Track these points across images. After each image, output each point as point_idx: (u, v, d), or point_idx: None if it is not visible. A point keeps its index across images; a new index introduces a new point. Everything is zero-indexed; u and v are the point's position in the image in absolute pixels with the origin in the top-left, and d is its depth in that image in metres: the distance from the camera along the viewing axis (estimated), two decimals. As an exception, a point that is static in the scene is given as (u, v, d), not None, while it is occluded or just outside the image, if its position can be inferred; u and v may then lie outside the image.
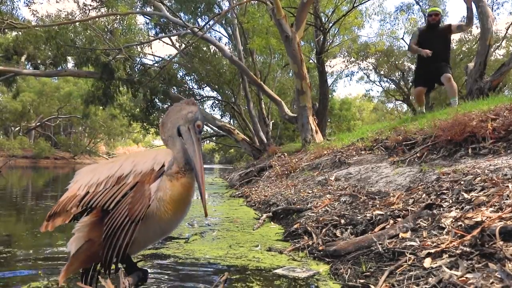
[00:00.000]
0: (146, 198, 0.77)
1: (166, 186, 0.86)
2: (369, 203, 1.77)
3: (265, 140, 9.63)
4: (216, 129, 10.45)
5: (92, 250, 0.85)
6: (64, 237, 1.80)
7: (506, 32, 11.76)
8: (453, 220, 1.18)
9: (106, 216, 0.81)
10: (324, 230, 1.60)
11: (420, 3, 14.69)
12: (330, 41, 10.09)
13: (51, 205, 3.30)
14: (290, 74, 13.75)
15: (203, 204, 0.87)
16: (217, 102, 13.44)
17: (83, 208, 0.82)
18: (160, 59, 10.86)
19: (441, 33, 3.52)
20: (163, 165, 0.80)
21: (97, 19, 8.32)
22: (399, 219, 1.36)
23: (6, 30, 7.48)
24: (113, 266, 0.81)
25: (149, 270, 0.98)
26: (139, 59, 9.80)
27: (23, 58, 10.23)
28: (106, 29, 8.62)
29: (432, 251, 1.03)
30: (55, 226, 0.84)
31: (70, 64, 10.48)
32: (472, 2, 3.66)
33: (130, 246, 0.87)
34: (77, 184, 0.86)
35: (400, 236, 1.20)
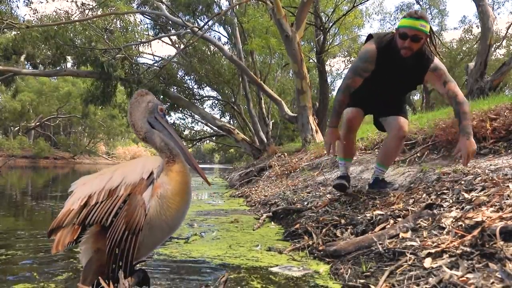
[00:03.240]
0: (141, 208, 0.76)
1: (164, 181, 0.85)
2: (369, 203, 1.77)
3: (265, 140, 9.63)
4: (216, 129, 10.44)
5: (104, 259, 0.84)
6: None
7: (507, 31, 11.75)
8: (454, 220, 1.18)
9: (107, 228, 0.81)
10: (324, 230, 1.60)
11: (421, 3, 14.68)
12: (330, 41, 10.09)
13: (51, 205, 3.29)
14: (290, 74, 13.75)
15: (201, 175, 0.88)
16: (216, 102, 13.44)
17: (80, 224, 0.81)
18: (160, 59, 10.86)
19: (416, 66, 1.61)
20: (152, 173, 0.80)
21: (95, 18, 8.30)
22: (400, 219, 1.36)
23: (6, 30, 7.47)
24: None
25: (148, 271, 0.98)
26: (138, 59, 9.80)
27: (22, 58, 10.21)
28: (105, 29, 8.60)
29: (433, 251, 1.03)
30: (65, 245, 0.82)
31: (69, 64, 10.47)
32: (473, 1, 3.28)
33: (138, 251, 0.87)
34: (72, 199, 0.86)
35: (400, 236, 1.20)
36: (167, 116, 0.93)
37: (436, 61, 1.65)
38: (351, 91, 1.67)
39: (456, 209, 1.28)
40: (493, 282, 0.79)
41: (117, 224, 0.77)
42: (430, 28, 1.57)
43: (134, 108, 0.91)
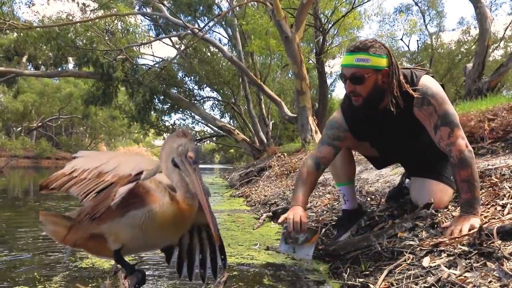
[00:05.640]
0: (109, 199, 0.77)
1: (163, 202, 0.86)
2: (368, 203, 1.77)
3: (265, 140, 9.65)
4: (216, 129, 10.48)
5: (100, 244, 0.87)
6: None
7: (504, 33, 11.81)
8: (452, 219, 1.19)
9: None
10: (323, 230, 1.61)
11: (419, 4, 14.73)
12: (330, 42, 10.11)
13: (53, 204, 3.30)
14: (290, 75, 13.77)
15: (213, 230, 0.86)
16: (217, 102, 13.48)
17: (64, 191, 0.84)
18: (160, 59, 10.90)
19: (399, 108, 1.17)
20: (141, 173, 0.80)
21: (97, 20, 8.35)
22: (398, 219, 1.37)
23: (8, 31, 7.51)
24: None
25: (146, 271, 0.99)
26: (139, 60, 9.84)
27: (24, 59, 10.26)
28: (106, 30, 8.65)
29: (431, 250, 1.04)
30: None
31: (71, 65, 10.52)
32: (471, 3, 3.18)
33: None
34: (70, 165, 0.89)
35: (399, 236, 1.21)
36: (196, 165, 0.89)
37: (423, 89, 1.12)
38: (320, 166, 1.29)
39: (454, 208, 1.29)
40: (490, 281, 0.80)
41: (88, 204, 0.80)
42: (389, 56, 1.11)
43: (166, 144, 0.92)
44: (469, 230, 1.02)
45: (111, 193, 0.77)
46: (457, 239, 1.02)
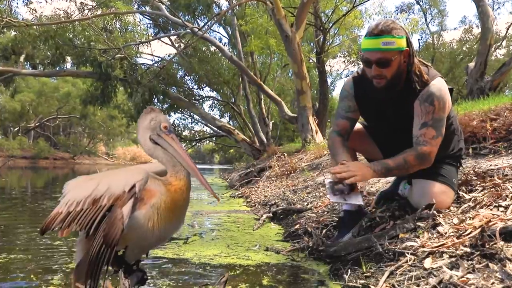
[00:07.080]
0: (119, 222, 0.77)
1: (162, 192, 0.86)
2: (369, 203, 1.76)
3: (265, 140, 9.65)
4: (216, 129, 10.47)
5: None
6: (63, 238, 1.79)
7: (507, 32, 11.83)
8: (454, 220, 1.18)
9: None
10: (324, 230, 1.60)
11: (421, 3, 14.74)
12: (330, 41, 10.09)
13: (51, 205, 3.29)
14: (290, 74, 13.77)
15: (210, 191, 0.86)
16: (216, 102, 13.48)
17: (66, 229, 0.83)
18: (160, 59, 10.88)
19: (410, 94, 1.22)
20: (134, 186, 0.80)
21: (95, 18, 8.32)
22: (399, 220, 1.36)
23: (5, 29, 7.49)
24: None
25: (146, 271, 0.98)
26: (137, 59, 9.82)
27: (21, 58, 10.22)
28: (104, 29, 8.63)
29: (433, 251, 1.03)
30: (69, 232, 0.84)
31: (69, 64, 10.49)
32: (473, 1, 3.10)
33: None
34: (62, 201, 0.87)
35: (400, 237, 1.20)
36: (172, 133, 0.90)
37: (434, 88, 1.16)
38: (342, 135, 1.35)
39: (456, 209, 1.28)
40: (493, 283, 0.79)
41: (97, 235, 0.79)
42: (407, 38, 1.15)
43: (139, 126, 0.93)
44: (350, 173, 1.19)
45: (117, 216, 0.77)
46: (458, 239, 1.01)
